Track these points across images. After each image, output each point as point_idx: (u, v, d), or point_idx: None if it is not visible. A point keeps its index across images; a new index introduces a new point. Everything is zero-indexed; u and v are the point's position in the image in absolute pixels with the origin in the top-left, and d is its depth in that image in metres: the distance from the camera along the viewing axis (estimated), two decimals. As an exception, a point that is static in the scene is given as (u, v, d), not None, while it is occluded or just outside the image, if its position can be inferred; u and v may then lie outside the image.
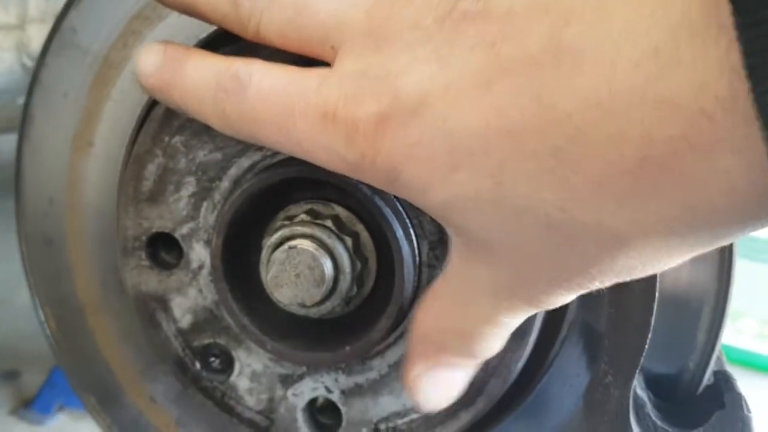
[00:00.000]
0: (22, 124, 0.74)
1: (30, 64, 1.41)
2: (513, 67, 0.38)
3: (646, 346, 0.57)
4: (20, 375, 1.98)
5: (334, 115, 0.44)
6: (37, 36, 1.38)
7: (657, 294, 0.56)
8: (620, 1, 0.35)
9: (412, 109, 0.41)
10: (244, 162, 0.64)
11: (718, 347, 0.63)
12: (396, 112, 0.42)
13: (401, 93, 0.41)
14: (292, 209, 0.65)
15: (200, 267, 0.67)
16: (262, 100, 0.49)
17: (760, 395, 1.94)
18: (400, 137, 0.42)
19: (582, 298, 0.64)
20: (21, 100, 1.50)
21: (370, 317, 0.64)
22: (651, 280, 0.56)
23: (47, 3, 1.37)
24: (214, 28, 0.65)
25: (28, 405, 1.84)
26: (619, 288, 0.57)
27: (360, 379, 0.67)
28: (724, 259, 0.63)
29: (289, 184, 0.63)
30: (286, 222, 0.64)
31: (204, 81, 0.52)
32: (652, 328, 0.56)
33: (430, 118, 0.41)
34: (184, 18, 0.67)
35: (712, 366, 0.63)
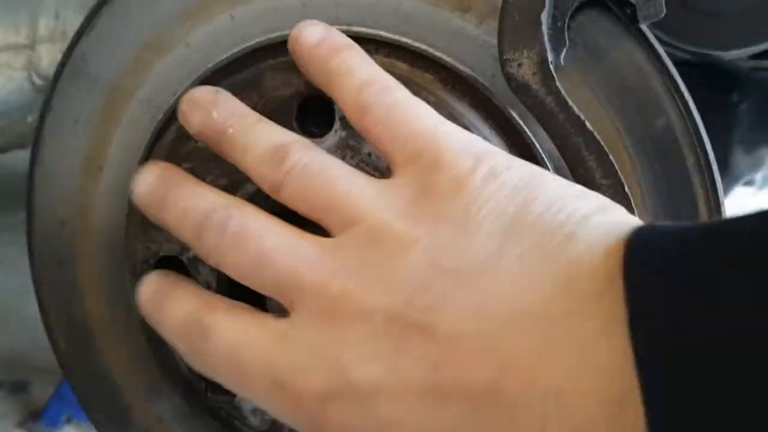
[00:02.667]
0: (34, 148, 0.77)
1: (39, 82, 1.44)
2: (454, 394, 0.41)
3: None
4: (29, 386, 2.00)
5: (283, 384, 0.47)
6: (46, 56, 1.40)
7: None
8: (561, 362, 0.39)
9: (359, 399, 0.44)
10: (250, 187, 0.66)
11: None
12: (342, 396, 0.45)
13: (351, 380, 0.44)
14: (296, 233, 0.67)
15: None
16: (219, 356, 0.52)
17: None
18: (343, 417, 0.45)
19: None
20: (30, 118, 1.54)
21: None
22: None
23: (56, 23, 1.40)
24: (218, 60, 0.68)
25: (37, 417, 1.86)
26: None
27: (362, 399, 0.68)
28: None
29: (295, 211, 0.65)
30: (290, 246, 0.66)
31: (177, 329, 0.58)
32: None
33: (375, 411, 0.44)
34: (191, 49, 0.70)
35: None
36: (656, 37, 0.61)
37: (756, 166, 1.56)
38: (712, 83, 1.40)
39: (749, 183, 1.95)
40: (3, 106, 1.40)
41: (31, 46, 1.38)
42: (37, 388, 1.98)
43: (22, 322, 2.26)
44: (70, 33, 1.43)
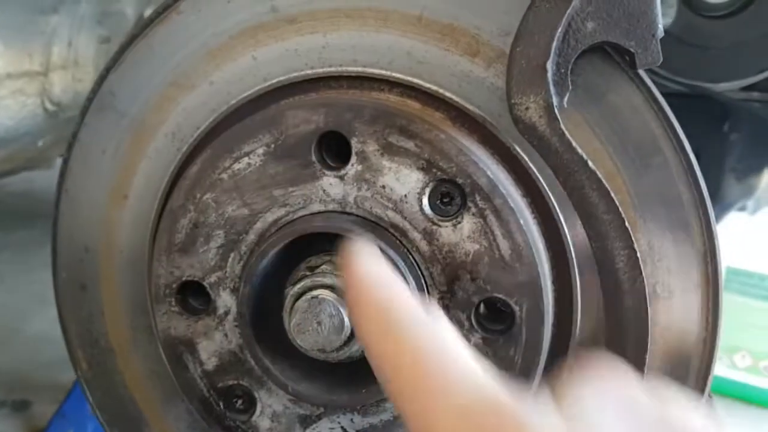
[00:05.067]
0: (61, 178, 0.80)
1: (51, 108, 1.48)
2: None
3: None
4: (31, 405, 2.01)
5: None
6: (59, 82, 1.44)
7: (649, 346, 0.61)
8: None
9: None
10: (269, 217, 0.70)
11: (707, 392, 0.68)
12: None
13: None
14: (313, 260, 0.71)
15: (226, 313, 0.73)
16: None
17: (755, 427, 1.98)
18: None
19: (581, 344, 0.69)
20: (41, 142, 1.57)
21: (384, 361, 0.69)
22: (643, 331, 0.61)
23: (69, 51, 1.45)
24: (241, 97, 0.72)
25: (39, 435, 1.87)
26: (613, 338, 0.63)
27: (374, 420, 0.71)
28: (713, 306, 0.68)
29: (311, 238, 0.69)
30: (308, 272, 0.69)
31: None
32: (645, 375, 0.62)
33: None
34: (214, 87, 0.74)
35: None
36: (650, 69, 0.65)
37: (747, 193, 1.61)
38: (705, 114, 1.45)
39: (741, 209, 2.00)
40: (15, 131, 1.43)
41: (45, 73, 1.42)
42: (38, 407, 2.00)
43: (23, 341, 2.28)
44: (83, 61, 1.47)
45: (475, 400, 0.43)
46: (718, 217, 1.62)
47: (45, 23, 1.42)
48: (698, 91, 1.38)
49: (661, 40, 0.61)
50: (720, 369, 2.11)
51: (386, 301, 0.49)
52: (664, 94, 0.67)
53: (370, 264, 0.52)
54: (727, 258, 2.14)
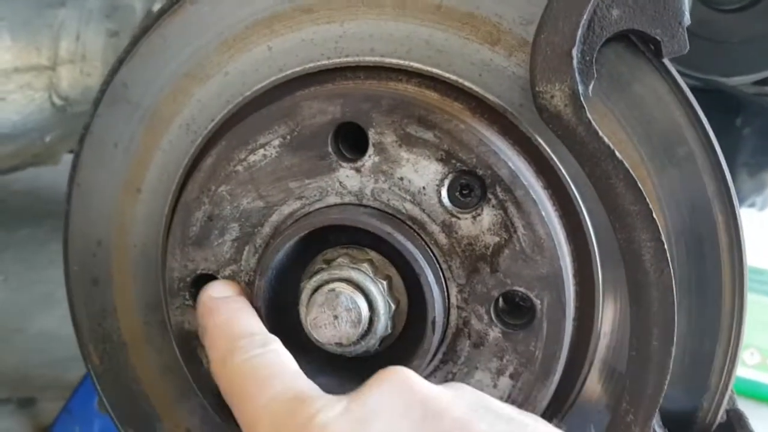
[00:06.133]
0: (72, 171, 0.79)
1: (59, 103, 1.47)
2: None
3: (665, 387, 0.61)
4: (36, 403, 2.00)
5: None
6: (66, 76, 1.43)
7: (675, 338, 0.60)
8: None
9: None
10: (285, 209, 0.69)
11: (731, 387, 0.67)
12: None
13: None
14: (329, 253, 0.70)
15: None
16: None
17: (764, 425, 1.96)
18: None
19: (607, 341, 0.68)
20: (48, 138, 1.56)
21: (401, 357, 0.68)
22: (669, 324, 0.60)
23: (77, 46, 1.44)
24: (256, 89, 0.71)
25: (45, 432, 1.86)
26: (640, 331, 0.62)
27: (392, 414, 0.70)
28: (737, 300, 0.67)
29: (326, 230, 0.68)
30: (324, 266, 0.68)
31: None
32: (670, 369, 0.60)
33: None
34: (229, 78, 0.73)
35: (725, 405, 0.67)
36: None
37: (759, 188, 1.60)
38: (717, 108, 1.44)
39: (750, 205, 1.99)
40: (23, 126, 1.43)
41: (53, 67, 1.41)
42: (43, 404, 1.99)
43: (28, 338, 2.27)
44: (90, 55, 1.46)
45: (283, 399, 0.58)
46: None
47: (53, 17, 1.41)
48: (711, 85, 1.36)
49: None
50: (729, 366, 2.10)
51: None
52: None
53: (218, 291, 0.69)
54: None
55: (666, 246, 0.58)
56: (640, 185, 0.58)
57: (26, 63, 1.38)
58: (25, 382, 2.09)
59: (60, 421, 1.87)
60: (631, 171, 0.58)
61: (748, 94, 1.41)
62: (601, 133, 0.58)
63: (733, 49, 1.36)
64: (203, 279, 0.72)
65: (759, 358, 2.13)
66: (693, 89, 0.65)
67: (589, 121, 0.58)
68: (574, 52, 0.57)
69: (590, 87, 0.60)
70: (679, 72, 0.67)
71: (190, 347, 0.74)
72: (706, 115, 0.66)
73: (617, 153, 0.58)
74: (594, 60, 0.60)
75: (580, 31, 0.57)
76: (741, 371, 2.12)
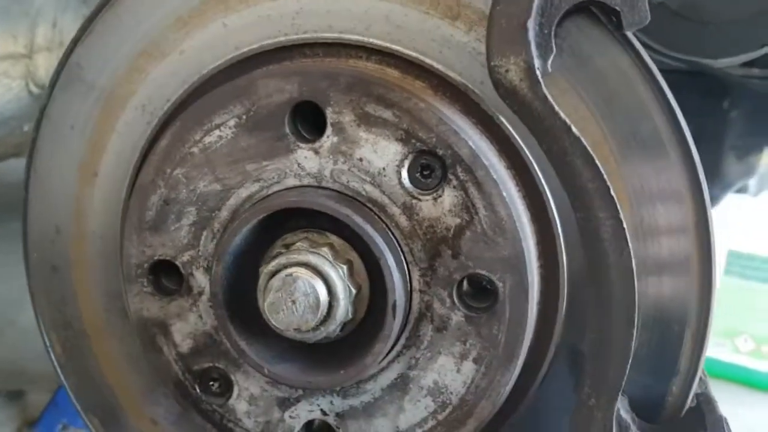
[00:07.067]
0: (30, 156, 0.77)
1: (37, 91, 1.45)
2: None
3: (627, 370, 0.59)
4: (25, 395, 1.99)
5: None
6: (44, 64, 1.41)
7: (637, 320, 0.58)
8: None
9: None
10: (243, 193, 0.67)
11: (700, 370, 0.65)
12: None
13: None
14: (289, 238, 0.68)
15: (200, 293, 0.70)
16: None
17: (757, 412, 1.95)
18: None
19: (567, 322, 0.67)
20: (27, 127, 1.54)
21: (363, 342, 0.66)
22: (631, 306, 0.58)
23: (54, 33, 1.41)
24: (212, 67, 0.69)
25: (33, 425, 1.86)
26: (600, 314, 0.60)
27: (354, 401, 0.69)
28: (705, 282, 0.65)
29: (286, 214, 0.66)
30: (283, 250, 0.66)
31: None
32: (633, 352, 0.59)
33: None
34: (185, 57, 0.71)
35: (694, 389, 0.65)
36: (647, 45, 0.62)
37: (748, 172, 1.57)
38: (704, 91, 1.41)
39: (742, 190, 1.96)
40: (1, 116, 1.41)
41: (29, 55, 1.39)
42: (32, 397, 1.98)
43: (17, 331, 2.26)
44: (68, 42, 1.44)
45: None
46: (718, 197, 1.58)
47: (29, 4, 1.39)
48: (697, 68, 1.34)
49: (658, 14, 0.58)
50: (722, 353, 2.08)
51: None
52: (661, 71, 0.63)
53: None
54: (729, 241, 2.11)
55: (625, 225, 0.56)
56: (598, 162, 0.56)
57: (2, 51, 1.35)
58: (14, 374, 2.08)
59: (46, 414, 1.86)
60: (588, 147, 0.56)
61: (735, 76, 1.38)
62: (557, 109, 0.56)
63: (719, 30, 1.33)
64: (161, 265, 0.71)
65: (752, 345, 2.11)
66: (678, 72, 0.63)
67: (545, 96, 0.56)
68: (530, 24, 0.55)
69: (549, 61, 0.58)
70: (663, 54, 0.65)
71: (150, 335, 0.72)
72: (692, 98, 0.64)
73: (574, 129, 0.56)
74: (553, 33, 0.58)
75: (536, 2, 0.55)
76: (734, 358, 2.10)
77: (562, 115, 0.56)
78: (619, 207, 0.56)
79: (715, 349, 2.03)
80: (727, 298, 1.95)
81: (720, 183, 1.54)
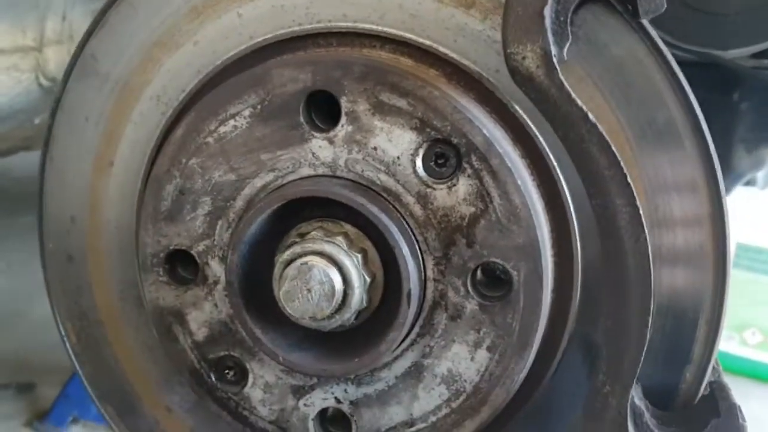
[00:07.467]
0: (45, 146, 0.78)
1: (47, 84, 1.45)
2: None
3: (642, 358, 0.59)
4: (35, 387, 2.01)
5: None
6: (54, 57, 1.41)
7: (653, 308, 0.58)
8: None
9: None
10: (257, 182, 0.68)
11: (714, 358, 0.65)
12: None
13: None
14: (304, 227, 0.68)
15: (215, 282, 0.70)
16: None
17: (765, 405, 1.95)
18: None
19: (581, 311, 0.67)
20: (37, 120, 1.55)
21: (378, 330, 0.66)
22: (647, 294, 0.59)
23: (63, 25, 1.42)
24: (226, 57, 0.69)
25: (43, 417, 1.87)
26: (616, 301, 0.60)
27: (369, 389, 0.69)
28: (719, 271, 0.65)
29: (300, 203, 0.66)
30: (298, 239, 0.67)
31: None
32: (648, 340, 0.59)
33: None
34: (199, 47, 0.71)
35: (708, 377, 0.66)
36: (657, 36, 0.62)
37: (757, 164, 1.56)
38: (714, 82, 1.41)
39: (750, 183, 1.95)
40: (10, 108, 1.41)
41: (39, 48, 1.39)
42: (43, 389, 1.99)
43: (28, 324, 2.27)
44: (77, 35, 1.44)
45: None
46: (727, 190, 1.58)
47: (38, -3, 1.39)
48: (707, 59, 1.33)
49: (668, 5, 0.58)
50: (730, 346, 2.08)
51: None
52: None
53: None
54: (737, 234, 2.10)
55: (642, 212, 0.56)
56: (614, 149, 0.56)
57: (12, 44, 1.36)
58: (25, 367, 2.09)
59: (57, 405, 1.87)
60: (605, 134, 0.56)
61: (745, 67, 1.38)
62: (574, 96, 0.56)
63: (729, 20, 1.33)
64: (177, 255, 0.71)
65: (761, 338, 2.11)
66: (689, 63, 0.63)
67: (562, 83, 0.56)
68: (547, 11, 0.55)
69: (565, 49, 0.58)
70: (673, 45, 0.65)
71: (166, 323, 0.73)
72: (702, 89, 0.64)
73: (590, 115, 0.56)
74: (569, 21, 0.58)
75: (552, -10, 0.55)
76: (742, 351, 2.10)
77: (579, 101, 0.56)
78: (635, 194, 0.56)
79: (722, 342, 2.02)
80: (735, 291, 1.94)
81: (729, 175, 1.53)
